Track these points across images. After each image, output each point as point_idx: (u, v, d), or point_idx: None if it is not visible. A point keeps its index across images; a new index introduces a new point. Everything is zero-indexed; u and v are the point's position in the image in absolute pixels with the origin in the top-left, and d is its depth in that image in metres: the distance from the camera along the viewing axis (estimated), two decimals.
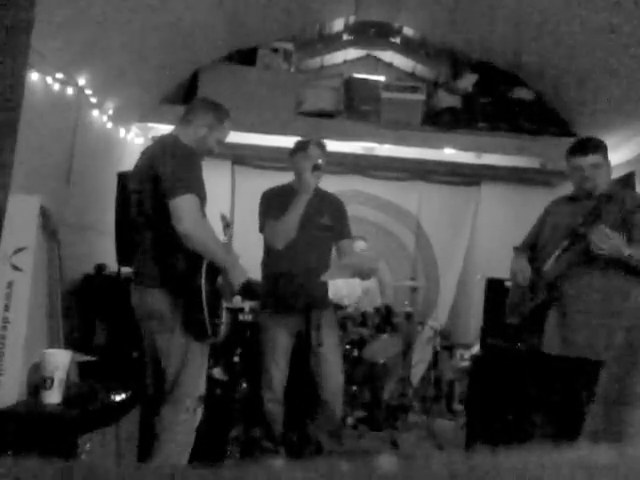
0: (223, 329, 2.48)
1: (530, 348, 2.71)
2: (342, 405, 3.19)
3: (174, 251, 2.27)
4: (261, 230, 3.10)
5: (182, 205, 2.19)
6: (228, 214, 2.82)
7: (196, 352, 2.37)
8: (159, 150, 2.39)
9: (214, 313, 2.35)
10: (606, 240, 2.35)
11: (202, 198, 2.33)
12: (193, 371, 2.38)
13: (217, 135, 2.57)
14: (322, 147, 3.11)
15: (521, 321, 2.76)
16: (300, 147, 3.10)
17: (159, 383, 2.40)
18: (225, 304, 2.53)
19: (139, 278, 2.41)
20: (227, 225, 2.69)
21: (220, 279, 2.43)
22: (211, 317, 2.30)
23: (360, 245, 4.61)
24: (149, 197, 2.33)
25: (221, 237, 2.62)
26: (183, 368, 2.35)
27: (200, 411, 2.45)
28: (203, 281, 2.26)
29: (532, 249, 2.82)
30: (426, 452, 3.68)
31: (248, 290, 4.25)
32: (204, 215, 2.39)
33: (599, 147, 2.62)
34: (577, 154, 2.62)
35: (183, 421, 2.36)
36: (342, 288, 4.39)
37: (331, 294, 3.17)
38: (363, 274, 3.05)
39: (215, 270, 2.37)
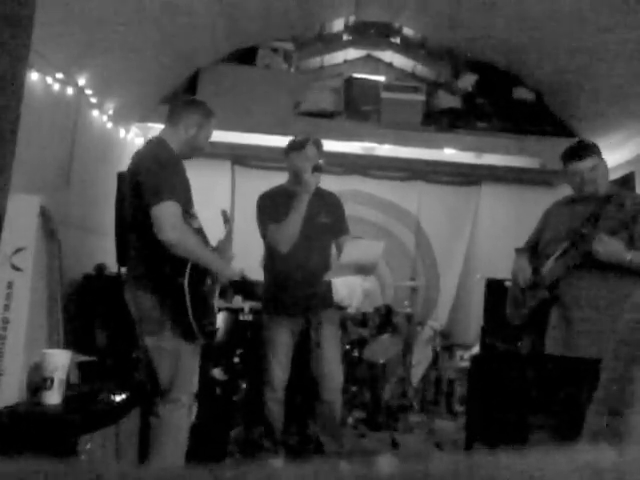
0: (217, 330, 2.50)
1: (530, 349, 2.72)
2: (342, 405, 3.19)
3: (159, 254, 2.28)
4: (263, 235, 3.08)
5: (161, 214, 2.21)
6: (228, 214, 2.82)
7: (187, 352, 2.39)
8: (142, 155, 2.43)
9: (202, 314, 2.36)
10: (607, 247, 2.36)
11: (185, 203, 2.34)
12: (186, 370, 2.40)
13: (206, 133, 2.59)
14: (319, 146, 3.09)
15: (521, 322, 2.76)
16: (296, 146, 3.06)
17: (153, 382, 2.41)
18: (222, 304, 2.54)
19: (130, 280, 2.45)
20: (227, 220, 2.71)
21: (209, 280, 2.44)
22: (198, 318, 2.31)
23: None
24: (135, 202, 2.36)
25: (222, 231, 2.65)
26: (176, 368, 2.37)
27: (195, 408, 2.47)
28: (186, 283, 2.27)
29: (534, 251, 2.83)
30: (426, 452, 3.68)
31: (248, 290, 4.27)
32: (193, 217, 2.41)
33: (593, 150, 2.63)
34: (573, 160, 2.62)
35: (179, 418, 2.39)
36: (342, 289, 4.39)
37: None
38: (365, 269, 3.03)
39: (203, 271, 2.38)
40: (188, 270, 2.28)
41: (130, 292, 2.43)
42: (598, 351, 2.36)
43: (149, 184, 2.26)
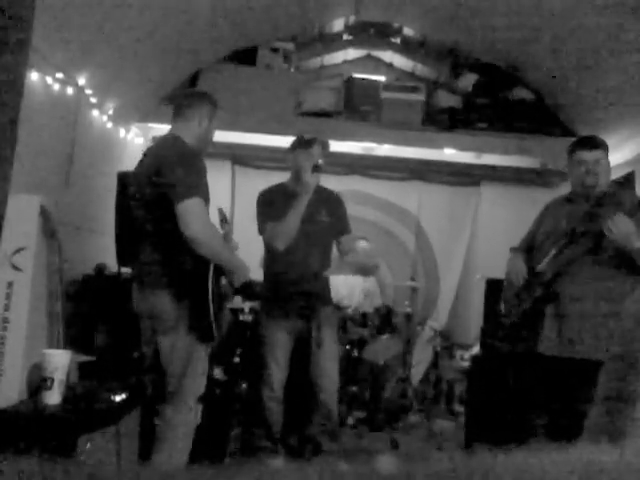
0: (224, 329, 2.49)
1: (526, 349, 2.71)
2: (340, 404, 3.19)
3: (180, 253, 2.26)
4: (260, 232, 3.08)
5: (189, 209, 2.19)
6: (228, 214, 2.81)
7: (200, 353, 2.38)
8: (163, 152, 2.38)
9: (219, 314, 2.35)
10: (622, 227, 2.34)
11: (206, 200, 2.33)
12: (197, 372, 2.38)
13: (215, 124, 2.57)
14: (325, 147, 3.08)
15: (515, 321, 2.75)
16: (302, 144, 3.04)
17: (160, 383, 2.40)
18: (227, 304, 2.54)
19: (143, 279, 2.40)
20: (224, 219, 2.69)
21: (223, 280, 2.43)
22: (216, 319, 2.30)
23: (362, 245, 4.60)
24: (154, 200, 2.31)
25: (220, 230, 2.63)
26: (187, 369, 2.35)
27: (200, 410, 2.46)
28: (210, 284, 2.25)
29: (529, 250, 2.82)
30: (426, 452, 3.68)
31: (248, 290, 4.26)
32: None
33: (603, 144, 2.64)
34: (582, 148, 2.63)
35: (186, 420, 2.37)
36: (342, 289, 4.37)
37: (331, 294, 3.17)
38: (366, 270, 3.04)
39: (219, 272, 2.37)
40: (212, 269, 2.27)
41: (143, 291, 2.39)
42: (595, 349, 2.36)
43: (175, 180, 2.22)
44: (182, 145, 2.40)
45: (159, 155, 2.38)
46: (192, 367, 2.36)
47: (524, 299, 2.68)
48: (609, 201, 2.51)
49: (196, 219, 2.19)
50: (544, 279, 2.60)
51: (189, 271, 2.29)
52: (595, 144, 2.63)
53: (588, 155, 2.59)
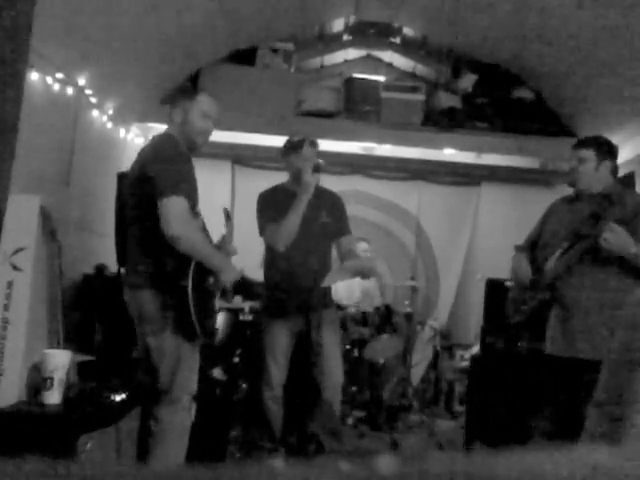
0: (218, 329, 2.48)
1: (531, 348, 2.71)
2: (341, 404, 3.19)
3: (163, 252, 2.27)
4: (261, 233, 3.09)
5: (170, 208, 2.20)
6: None
7: (188, 352, 2.38)
8: (148, 152, 2.41)
9: (204, 313, 2.34)
10: (616, 237, 2.35)
11: (192, 199, 2.33)
12: (186, 371, 2.39)
13: (196, 113, 2.47)
14: (315, 146, 3.09)
15: (522, 321, 2.75)
16: (293, 147, 3.06)
17: (153, 382, 2.40)
18: (222, 304, 2.53)
19: (130, 278, 2.42)
20: (228, 218, 2.70)
21: (211, 279, 2.42)
22: (200, 317, 2.29)
23: (362, 246, 4.60)
24: (139, 198, 2.34)
25: (222, 230, 2.64)
26: (177, 368, 2.35)
27: (194, 409, 2.46)
28: (189, 282, 2.25)
29: (533, 248, 2.82)
30: (426, 452, 3.68)
31: (248, 290, 4.27)
32: (197, 215, 2.39)
33: (592, 143, 2.63)
34: (573, 147, 2.66)
35: (180, 420, 2.37)
36: (341, 290, 4.38)
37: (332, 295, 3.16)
38: (363, 274, 3.04)
39: (205, 270, 2.36)
40: (192, 268, 2.27)
41: (130, 291, 2.41)
42: (598, 350, 2.35)
43: (159, 178, 2.23)
44: (168, 143, 2.40)
45: (145, 154, 2.41)
46: (181, 367, 2.36)
47: (530, 300, 2.69)
48: (611, 202, 2.51)
49: (175, 217, 2.19)
50: (549, 279, 2.60)
51: (171, 269, 2.29)
52: (582, 143, 2.64)
53: (573, 153, 2.62)
